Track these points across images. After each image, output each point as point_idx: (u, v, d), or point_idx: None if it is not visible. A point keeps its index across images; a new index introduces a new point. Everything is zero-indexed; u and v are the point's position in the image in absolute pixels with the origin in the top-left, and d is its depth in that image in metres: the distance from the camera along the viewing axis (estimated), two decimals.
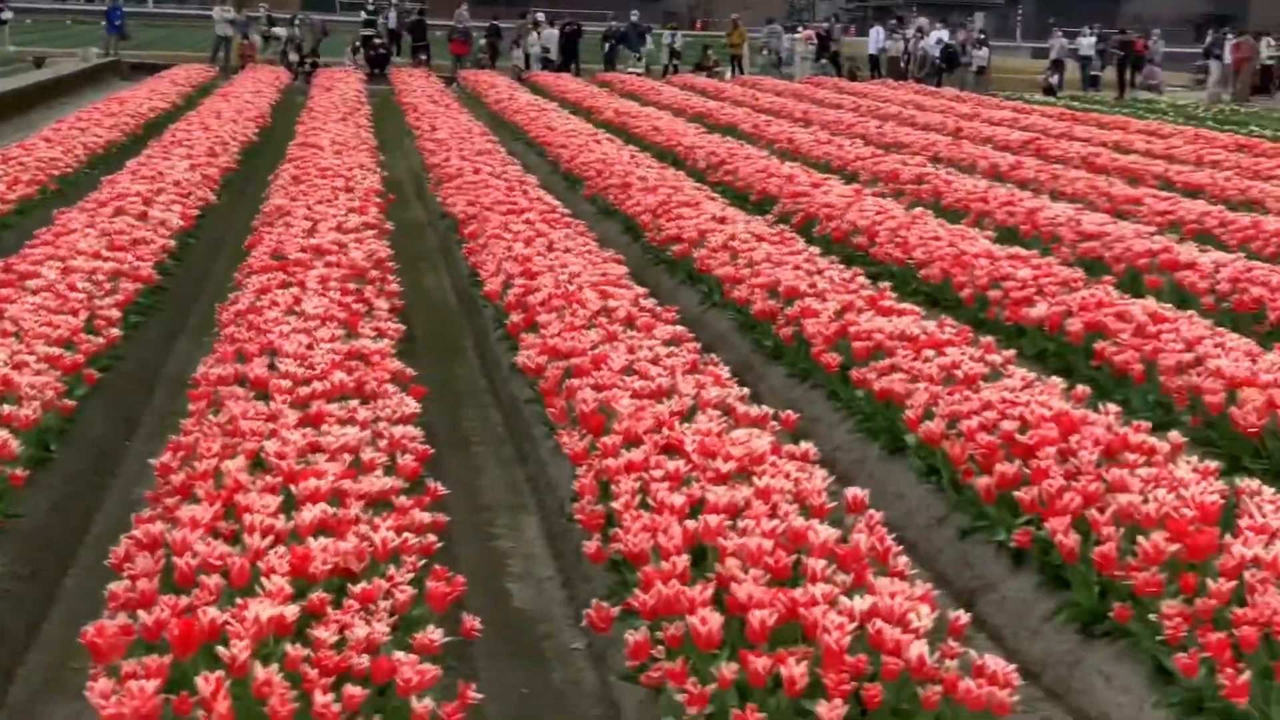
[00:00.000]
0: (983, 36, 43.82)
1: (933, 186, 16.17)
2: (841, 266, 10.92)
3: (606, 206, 15.89)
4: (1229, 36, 44.15)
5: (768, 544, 4.99)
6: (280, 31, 41.90)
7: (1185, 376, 8.06)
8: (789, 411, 7.14)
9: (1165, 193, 16.07)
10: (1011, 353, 8.36)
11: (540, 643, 6.07)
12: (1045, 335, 9.65)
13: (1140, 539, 5.28)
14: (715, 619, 4.55)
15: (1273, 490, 5.82)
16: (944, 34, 43.33)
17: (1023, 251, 11.57)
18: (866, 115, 27.23)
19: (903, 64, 42.09)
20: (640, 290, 9.65)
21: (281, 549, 4.87)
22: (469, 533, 7.16)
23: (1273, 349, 8.44)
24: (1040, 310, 9.70)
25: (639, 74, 40.02)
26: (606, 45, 41.55)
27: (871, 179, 17.45)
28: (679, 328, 8.58)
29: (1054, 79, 41.94)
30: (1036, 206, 14.22)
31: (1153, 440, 6.40)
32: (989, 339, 8.52)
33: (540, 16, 43.11)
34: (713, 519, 5.23)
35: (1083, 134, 24.47)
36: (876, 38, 43.26)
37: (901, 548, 5.25)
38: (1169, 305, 9.77)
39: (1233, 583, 4.98)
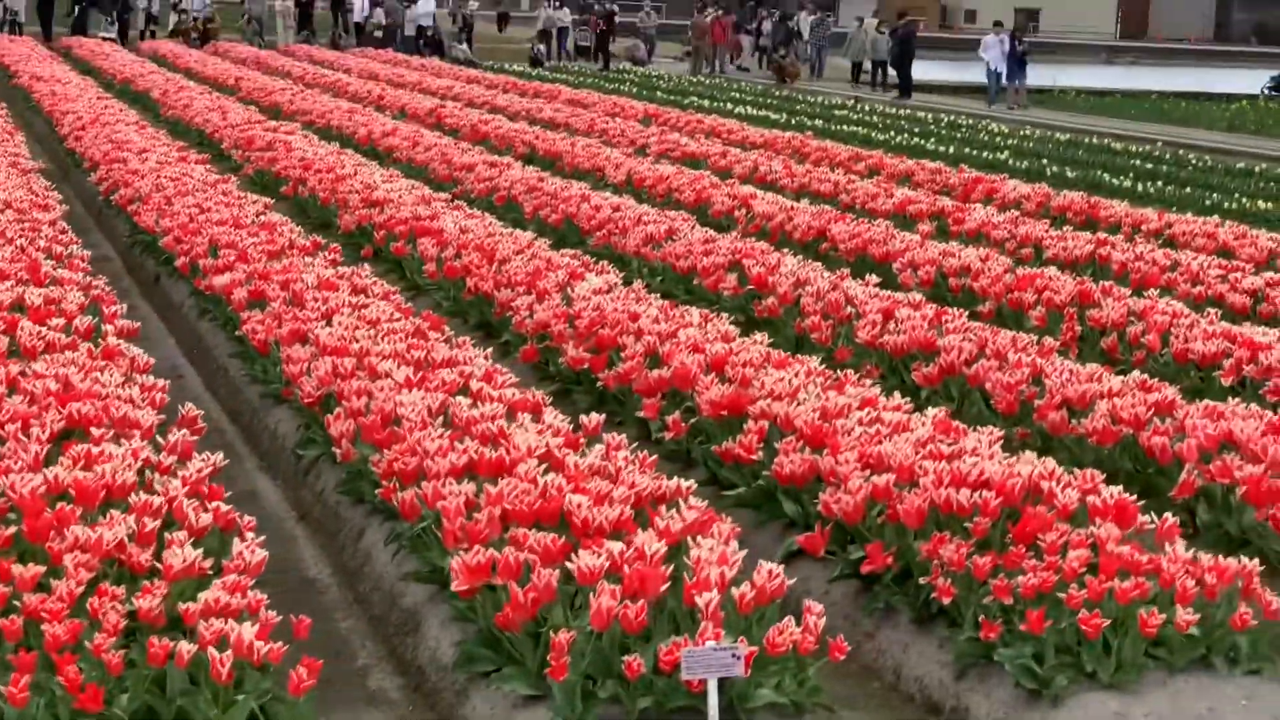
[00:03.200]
0: (467, 15, 43.92)
1: (275, 154, 16.07)
2: None
3: None
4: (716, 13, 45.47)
5: None
6: None
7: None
8: None
9: (504, 159, 16.34)
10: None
11: None
12: None
13: None
14: None
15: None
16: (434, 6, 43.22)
17: (276, 219, 11.60)
18: (297, 83, 26.99)
19: (394, 33, 41.79)
20: None
21: None
22: None
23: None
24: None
25: (109, 38, 38.73)
26: (76, 9, 40.01)
27: (234, 146, 17.35)
28: None
29: (540, 49, 42.30)
30: (348, 174, 14.26)
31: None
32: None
33: None
34: None
35: (503, 103, 24.71)
36: (363, 7, 42.86)
37: None
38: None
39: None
